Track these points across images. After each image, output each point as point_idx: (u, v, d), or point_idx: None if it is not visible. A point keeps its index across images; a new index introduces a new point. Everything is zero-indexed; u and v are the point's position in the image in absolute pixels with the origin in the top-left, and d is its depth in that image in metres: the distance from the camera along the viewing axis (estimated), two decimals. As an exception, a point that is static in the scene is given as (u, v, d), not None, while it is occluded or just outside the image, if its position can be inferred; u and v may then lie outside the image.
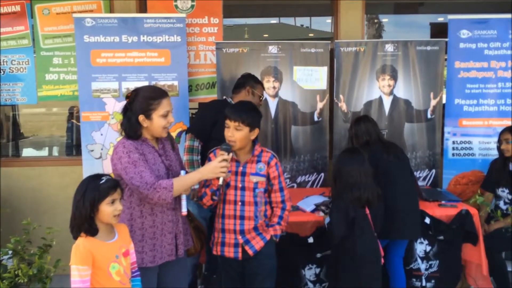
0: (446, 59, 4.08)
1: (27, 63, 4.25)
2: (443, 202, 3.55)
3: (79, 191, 1.98)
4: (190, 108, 4.15)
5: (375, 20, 6.96)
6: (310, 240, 3.15)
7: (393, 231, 3.10)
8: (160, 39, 3.90)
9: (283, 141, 4.13)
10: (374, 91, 4.11)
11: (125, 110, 2.35)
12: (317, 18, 7.93)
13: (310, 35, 8.37)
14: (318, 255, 3.19)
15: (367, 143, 3.27)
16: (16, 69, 4.25)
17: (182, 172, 2.42)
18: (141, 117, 2.30)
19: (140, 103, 2.30)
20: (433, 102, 4.11)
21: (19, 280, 2.85)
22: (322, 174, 4.15)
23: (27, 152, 5.97)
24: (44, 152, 6.18)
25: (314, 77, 4.10)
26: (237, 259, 2.54)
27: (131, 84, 3.83)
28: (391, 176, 3.14)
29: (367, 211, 2.76)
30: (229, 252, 2.54)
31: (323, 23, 7.70)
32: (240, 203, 2.51)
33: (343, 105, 4.12)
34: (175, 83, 3.96)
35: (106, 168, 3.87)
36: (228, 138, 2.47)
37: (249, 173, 2.52)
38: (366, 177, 2.73)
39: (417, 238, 3.33)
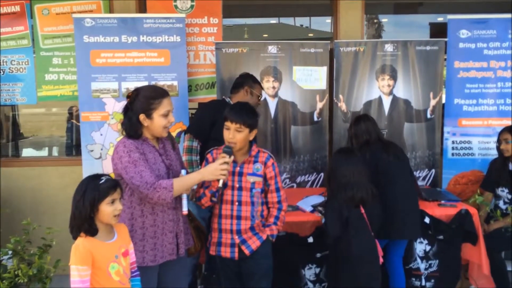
0: (445, 59, 4.08)
1: (26, 63, 4.26)
2: (442, 201, 3.55)
3: (79, 191, 1.98)
4: (189, 108, 4.16)
5: (375, 20, 6.97)
6: (310, 240, 3.15)
7: (393, 231, 3.10)
8: (159, 39, 3.91)
9: (282, 141, 4.13)
10: (374, 91, 4.12)
11: (126, 110, 2.35)
12: (317, 18, 7.94)
13: (309, 35, 8.37)
14: (318, 255, 3.19)
15: (367, 143, 3.26)
16: (16, 69, 4.25)
17: (183, 171, 2.42)
18: (141, 116, 2.31)
19: (141, 102, 2.31)
20: (433, 102, 4.11)
21: (19, 280, 2.85)
22: (322, 174, 4.15)
23: (27, 152, 5.97)
24: (44, 152, 6.18)
25: (313, 77, 4.10)
26: (234, 259, 2.55)
27: (131, 84, 3.83)
28: (391, 176, 3.14)
29: (363, 211, 2.76)
30: (226, 252, 2.55)
31: (323, 23, 7.70)
32: (237, 203, 2.52)
33: (342, 105, 4.13)
34: (175, 83, 3.96)
35: (106, 168, 3.88)
36: (228, 140, 2.47)
37: (246, 173, 2.53)
38: (359, 176, 2.73)
39: (417, 238, 3.33)
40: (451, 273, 3.42)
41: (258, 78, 3.85)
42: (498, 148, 3.69)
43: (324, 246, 3.11)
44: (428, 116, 4.12)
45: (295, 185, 4.15)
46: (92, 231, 1.98)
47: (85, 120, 3.92)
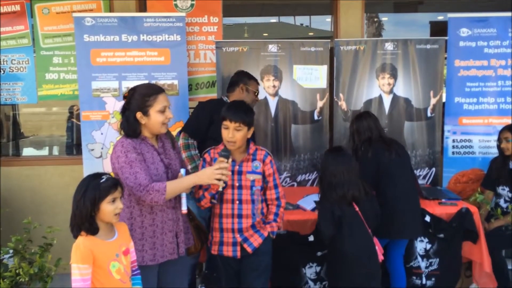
0: (446, 58, 4.08)
1: (27, 62, 4.26)
2: (443, 200, 3.55)
3: (80, 190, 1.98)
4: (190, 107, 4.15)
5: (375, 19, 6.95)
6: (311, 238, 3.15)
7: (393, 231, 3.10)
8: (160, 38, 3.91)
9: (283, 140, 4.13)
10: (374, 89, 4.12)
11: (124, 110, 2.36)
12: (317, 17, 7.91)
13: (309, 34, 8.35)
14: (319, 253, 3.19)
15: (369, 140, 3.25)
16: (16, 68, 4.25)
17: (182, 170, 2.42)
18: (138, 114, 2.31)
19: (136, 100, 2.31)
20: (433, 101, 4.11)
21: (20, 279, 2.85)
22: (322, 173, 4.15)
23: (27, 151, 5.98)
24: (44, 152, 6.19)
25: (314, 76, 4.10)
26: (236, 257, 2.55)
27: (131, 83, 3.81)
28: (392, 175, 3.14)
29: (357, 209, 2.75)
30: (228, 251, 2.55)
31: (323, 22, 7.69)
32: (237, 202, 2.52)
33: (343, 104, 4.13)
34: (175, 82, 3.96)
35: (107, 167, 3.88)
36: (227, 139, 2.48)
37: (245, 172, 2.54)
38: (349, 174, 2.72)
39: (417, 237, 3.33)
40: (452, 271, 3.42)
41: (259, 77, 3.85)
42: (498, 146, 3.69)
43: (324, 245, 3.11)
44: (429, 114, 4.12)
45: (295, 184, 4.15)
46: (92, 230, 1.98)
47: (86, 119, 3.93)
